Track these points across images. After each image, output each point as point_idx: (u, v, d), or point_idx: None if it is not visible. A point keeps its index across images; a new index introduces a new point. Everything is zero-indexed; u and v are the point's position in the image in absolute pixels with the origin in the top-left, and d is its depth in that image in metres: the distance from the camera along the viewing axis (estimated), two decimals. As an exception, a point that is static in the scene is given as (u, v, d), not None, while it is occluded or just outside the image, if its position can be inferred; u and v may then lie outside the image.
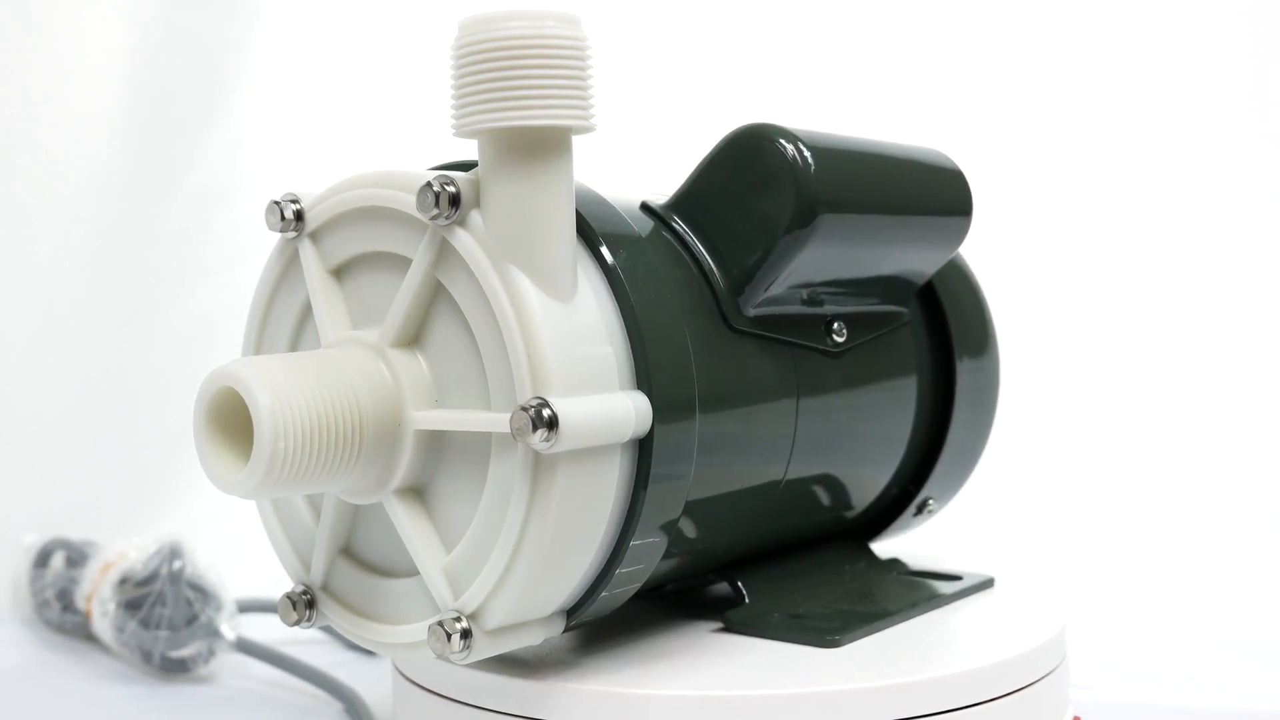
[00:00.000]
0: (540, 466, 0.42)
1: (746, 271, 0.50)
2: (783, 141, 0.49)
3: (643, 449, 0.44)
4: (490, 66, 0.42)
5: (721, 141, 0.50)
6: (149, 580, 0.71)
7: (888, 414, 0.58)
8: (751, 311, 0.50)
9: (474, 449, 0.44)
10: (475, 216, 0.43)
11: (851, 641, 0.51)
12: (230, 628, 0.70)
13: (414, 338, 0.46)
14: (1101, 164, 1.11)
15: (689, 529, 0.50)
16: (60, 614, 0.76)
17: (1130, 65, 1.11)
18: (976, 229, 0.59)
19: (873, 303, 0.57)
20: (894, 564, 0.62)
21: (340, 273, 0.48)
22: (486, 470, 0.44)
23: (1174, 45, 1.11)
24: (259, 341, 0.51)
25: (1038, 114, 1.12)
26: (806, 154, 0.49)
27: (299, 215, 0.48)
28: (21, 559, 0.79)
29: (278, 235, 0.49)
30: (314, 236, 0.48)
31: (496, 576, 0.43)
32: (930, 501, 0.63)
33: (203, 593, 0.71)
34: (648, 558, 0.47)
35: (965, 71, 1.12)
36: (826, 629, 0.52)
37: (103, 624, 0.72)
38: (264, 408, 0.41)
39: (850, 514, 0.61)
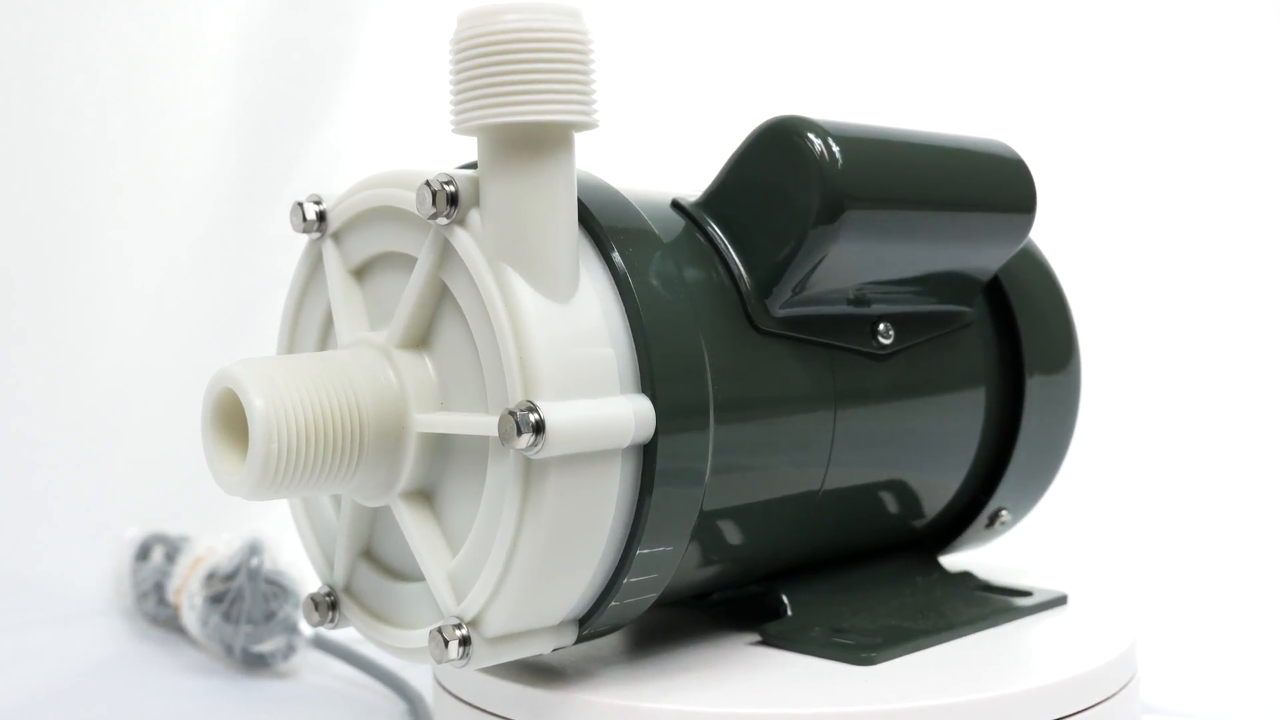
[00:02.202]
0: (531, 471, 0.41)
1: (774, 270, 0.48)
2: (809, 134, 0.47)
3: (648, 455, 0.43)
4: (487, 61, 0.41)
5: (749, 135, 0.49)
6: (232, 575, 0.72)
7: (947, 420, 0.55)
8: (780, 312, 0.48)
9: (475, 453, 0.43)
10: (475, 216, 0.42)
11: (889, 659, 0.49)
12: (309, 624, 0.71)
13: (422, 339, 0.45)
14: (1195, 152, 1.04)
15: (716, 537, 0.49)
16: (156, 607, 0.78)
17: (1214, 50, 1.04)
18: (1056, 224, 0.56)
19: (929, 302, 0.54)
20: (964, 578, 0.59)
21: (361, 273, 0.48)
22: (485, 474, 0.43)
23: (1253, 32, 1.04)
24: (291, 342, 0.51)
25: (1117, 105, 1.05)
26: (834, 147, 0.46)
27: (321, 216, 0.48)
28: (124, 552, 0.81)
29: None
30: (336, 237, 0.48)
31: (493, 583, 0.42)
32: (1003, 512, 0.60)
33: (281, 589, 0.72)
34: (660, 567, 0.45)
35: (1042, 62, 1.07)
36: (863, 646, 0.49)
37: (190, 617, 0.74)
38: (258, 409, 0.41)
39: (913, 525, 0.58)
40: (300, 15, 0.97)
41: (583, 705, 0.45)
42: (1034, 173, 0.54)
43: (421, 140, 1.01)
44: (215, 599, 0.72)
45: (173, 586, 0.76)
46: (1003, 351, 0.58)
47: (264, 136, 0.96)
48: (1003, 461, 0.58)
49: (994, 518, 0.59)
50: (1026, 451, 0.58)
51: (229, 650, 0.71)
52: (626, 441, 0.42)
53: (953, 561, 0.62)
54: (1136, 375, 1.01)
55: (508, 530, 0.41)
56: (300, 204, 0.48)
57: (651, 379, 0.43)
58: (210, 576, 0.73)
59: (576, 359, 0.42)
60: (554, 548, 0.42)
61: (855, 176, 0.47)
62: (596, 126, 0.42)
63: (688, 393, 0.44)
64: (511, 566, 0.42)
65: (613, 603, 0.44)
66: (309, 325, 0.50)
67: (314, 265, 0.50)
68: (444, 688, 0.51)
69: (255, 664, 0.71)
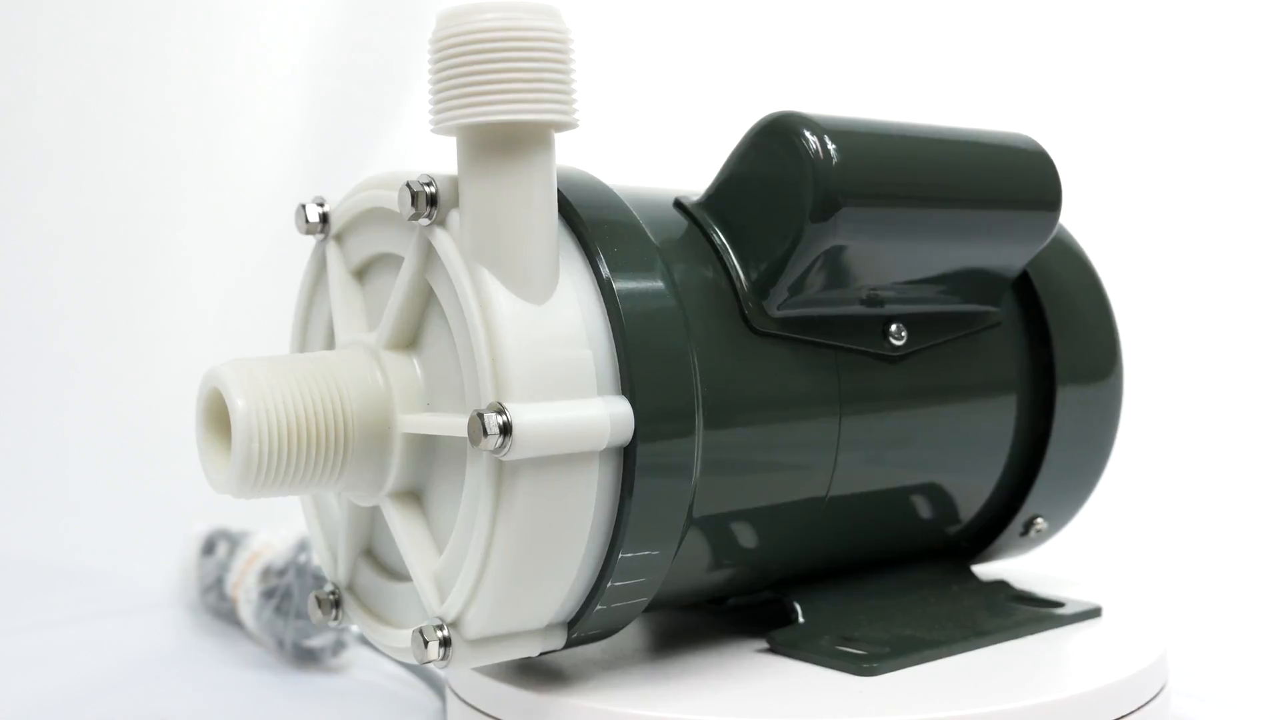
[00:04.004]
0: (503, 473, 0.41)
1: (771, 269, 0.46)
2: (805, 131, 0.45)
3: (628, 458, 0.42)
4: (463, 61, 0.41)
5: (747, 133, 0.48)
6: (284, 571, 0.73)
7: (971, 425, 0.54)
8: (779, 312, 0.47)
9: (457, 454, 0.43)
10: (454, 216, 0.42)
11: (894, 670, 0.47)
12: (357, 621, 0.72)
13: (410, 340, 0.45)
14: (1250, 142, 0.99)
15: (716, 541, 0.48)
16: (218, 601, 0.80)
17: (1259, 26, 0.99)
18: (1096, 221, 0.54)
19: (949, 302, 0.52)
20: (997, 587, 0.57)
21: (361, 274, 0.48)
22: (464, 476, 0.43)
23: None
24: (301, 342, 0.51)
25: (1158, 94, 1.00)
26: (829, 144, 0.45)
27: (324, 218, 0.49)
28: (190, 547, 0.83)
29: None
30: (338, 239, 0.49)
31: (471, 584, 0.42)
32: (1039, 520, 0.57)
33: (330, 586, 0.73)
34: (647, 571, 0.44)
35: (1076, 50, 1.02)
36: (868, 656, 0.48)
37: (246, 611, 0.75)
38: (239, 410, 0.42)
39: (939, 532, 0.56)
40: (369, 20, 0.98)
41: (567, 709, 0.45)
42: (1062, 166, 0.52)
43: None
44: (268, 594, 0.74)
45: (231, 581, 0.77)
46: (1036, 354, 0.56)
47: (333, 141, 0.98)
48: (1035, 468, 0.56)
49: (1029, 525, 0.57)
50: (1059, 459, 0.56)
51: (281, 644, 0.73)
52: (602, 444, 0.41)
53: (991, 570, 0.60)
54: (1176, 383, 0.96)
55: (481, 532, 0.41)
56: (303, 206, 0.49)
57: (631, 381, 0.42)
58: (265, 572, 0.75)
59: (550, 361, 0.41)
60: (529, 550, 0.41)
61: (852, 173, 0.45)
62: (576, 126, 0.42)
63: (670, 395, 0.43)
64: (487, 568, 0.41)
65: (599, 606, 0.44)
66: (317, 326, 0.51)
67: (320, 266, 0.50)
68: (449, 687, 0.51)
69: (306, 658, 0.72)
